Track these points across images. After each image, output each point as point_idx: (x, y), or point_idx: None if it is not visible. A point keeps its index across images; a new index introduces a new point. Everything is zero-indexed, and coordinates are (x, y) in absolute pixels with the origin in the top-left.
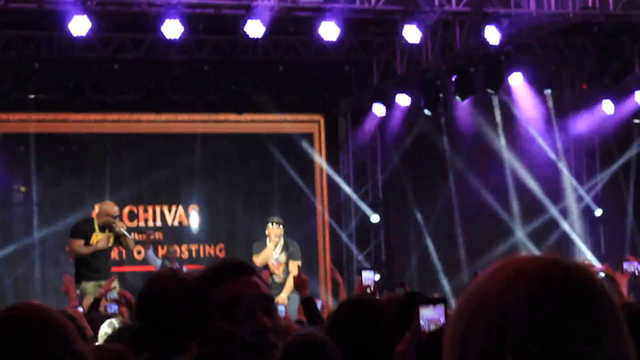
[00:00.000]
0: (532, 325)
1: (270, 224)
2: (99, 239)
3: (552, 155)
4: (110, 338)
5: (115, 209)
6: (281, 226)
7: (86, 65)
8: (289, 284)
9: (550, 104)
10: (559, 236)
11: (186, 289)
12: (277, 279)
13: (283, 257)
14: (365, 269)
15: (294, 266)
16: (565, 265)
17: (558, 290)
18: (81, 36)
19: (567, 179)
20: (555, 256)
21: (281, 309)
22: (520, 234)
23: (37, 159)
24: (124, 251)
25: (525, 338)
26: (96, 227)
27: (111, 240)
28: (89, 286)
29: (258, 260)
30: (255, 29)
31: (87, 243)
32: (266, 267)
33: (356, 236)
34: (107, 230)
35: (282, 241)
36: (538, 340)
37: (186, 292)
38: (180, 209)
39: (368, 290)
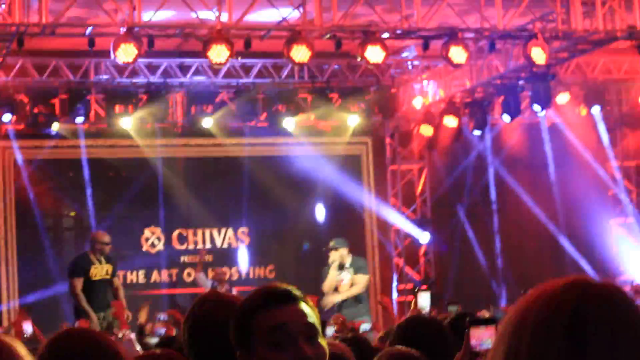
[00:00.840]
0: (545, 350)
1: (333, 251)
2: (95, 273)
3: (602, 173)
4: None
5: (105, 238)
6: (333, 251)
7: (134, 91)
8: (350, 289)
9: (599, 121)
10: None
11: (230, 313)
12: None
13: (347, 275)
14: (421, 290)
15: (362, 279)
16: (585, 287)
17: (571, 314)
18: (129, 63)
19: (623, 195)
20: (581, 277)
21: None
22: (570, 250)
23: (87, 185)
24: (174, 274)
25: None
26: (92, 259)
27: (109, 272)
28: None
29: (325, 288)
30: (301, 53)
31: (87, 278)
32: (336, 289)
33: (405, 255)
34: (104, 260)
35: (343, 261)
36: None
37: (230, 317)
38: (230, 231)
39: (423, 312)
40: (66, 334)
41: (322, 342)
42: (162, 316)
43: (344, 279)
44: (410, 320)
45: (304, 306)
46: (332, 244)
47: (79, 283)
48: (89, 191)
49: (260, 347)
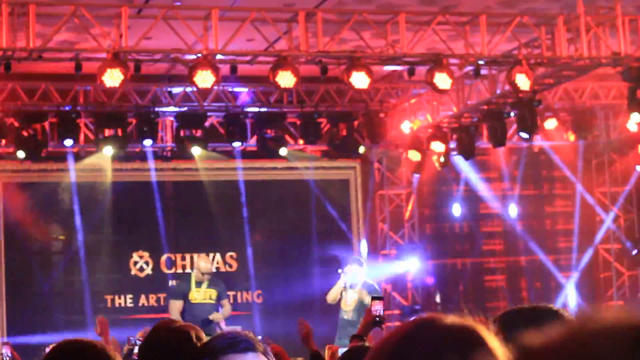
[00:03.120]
0: None
1: (348, 264)
2: (196, 296)
3: (590, 200)
4: None
5: (205, 267)
6: (355, 264)
7: (123, 115)
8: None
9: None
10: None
11: (183, 341)
12: (347, 316)
13: (353, 295)
14: (375, 297)
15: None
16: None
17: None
18: (115, 87)
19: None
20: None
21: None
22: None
23: (76, 208)
24: (162, 298)
25: None
26: (192, 283)
27: (212, 297)
28: None
29: (329, 298)
30: (286, 79)
31: (186, 301)
32: (338, 303)
33: (393, 279)
34: (206, 284)
35: (355, 281)
36: None
37: (182, 345)
38: (218, 256)
39: (377, 319)
40: (72, 344)
41: None
42: (134, 338)
43: (349, 297)
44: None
45: (260, 357)
46: (352, 258)
47: (175, 306)
48: (77, 215)
49: None
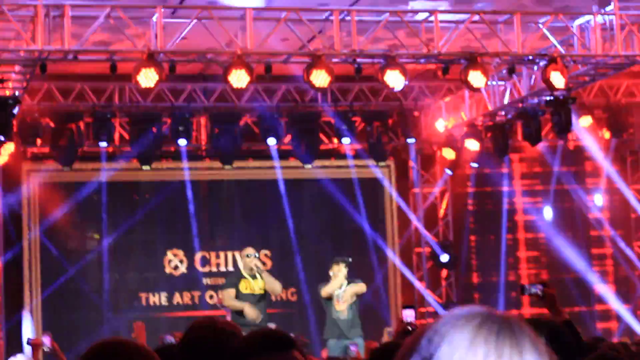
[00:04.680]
0: None
1: (335, 264)
2: (248, 285)
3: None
4: None
5: (246, 251)
6: (345, 265)
7: (158, 115)
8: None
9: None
10: None
11: (224, 340)
12: (342, 316)
13: (347, 294)
14: (406, 306)
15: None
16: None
17: None
18: (150, 87)
19: None
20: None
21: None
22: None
23: (109, 208)
24: (196, 296)
25: None
26: (243, 274)
27: (261, 288)
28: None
29: (324, 292)
30: (321, 78)
31: (237, 291)
32: (330, 299)
33: (427, 278)
34: (252, 275)
35: (345, 280)
36: None
37: (223, 343)
38: None
39: (409, 327)
40: (111, 344)
41: None
42: (168, 338)
43: (341, 297)
44: (377, 350)
45: (297, 354)
46: (340, 259)
47: (228, 292)
48: (112, 214)
49: None
